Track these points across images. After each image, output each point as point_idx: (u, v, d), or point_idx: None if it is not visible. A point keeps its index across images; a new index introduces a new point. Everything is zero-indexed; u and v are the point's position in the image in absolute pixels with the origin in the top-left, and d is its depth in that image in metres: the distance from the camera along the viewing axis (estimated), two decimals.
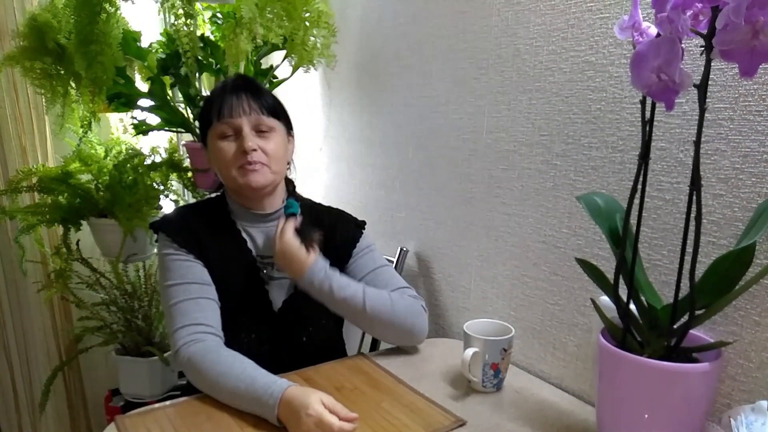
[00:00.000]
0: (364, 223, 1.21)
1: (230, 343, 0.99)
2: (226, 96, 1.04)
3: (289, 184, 1.19)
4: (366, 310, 1.05)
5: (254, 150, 1.03)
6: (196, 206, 1.17)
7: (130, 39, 1.39)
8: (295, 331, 1.11)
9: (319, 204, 1.22)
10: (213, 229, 1.09)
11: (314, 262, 1.04)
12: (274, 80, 1.60)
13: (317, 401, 0.84)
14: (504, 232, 1.19)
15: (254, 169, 1.04)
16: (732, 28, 0.57)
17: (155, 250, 1.65)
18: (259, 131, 1.05)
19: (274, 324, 1.10)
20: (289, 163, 1.15)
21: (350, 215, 1.23)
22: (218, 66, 1.47)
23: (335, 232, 1.16)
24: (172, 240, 1.06)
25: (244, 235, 1.11)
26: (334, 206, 1.24)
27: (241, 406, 0.91)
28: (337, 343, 1.22)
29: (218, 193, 1.17)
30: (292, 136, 1.16)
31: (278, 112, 1.09)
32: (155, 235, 1.10)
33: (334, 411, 0.85)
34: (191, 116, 1.54)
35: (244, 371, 0.92)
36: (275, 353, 1.07)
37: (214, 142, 1.05)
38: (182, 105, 1.54)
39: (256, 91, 1.06)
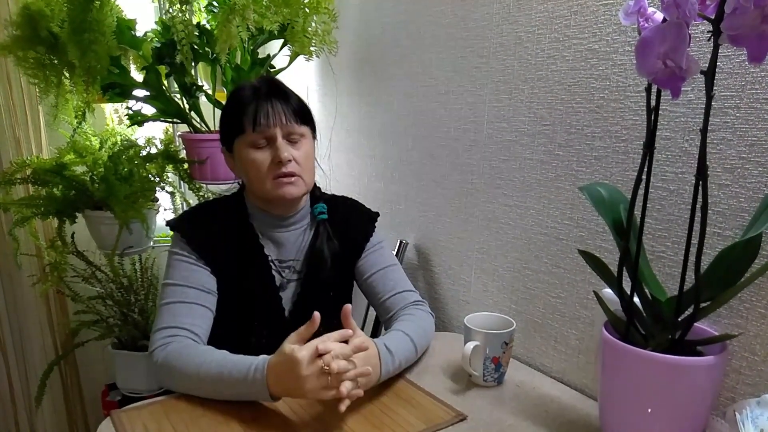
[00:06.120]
0: (377, 215, 1.21)
1: (239, 347, 0.96)
2: (259, 104, 1.01)
3: (315, 188, 1.16)
4: (417, 354, 1.04)
5: (290, 161, 1.01)
6: (213, 206, 1.14)
7: (125, 28, 1.37)
8: None
9: (333, 195, 1.21)
10: (230, 232, 1.08)
11: (381, 360, 0.93)
12: (272, 70, 1.58)
13: (306, 358, 0.81)
14: (505, 224, 1.18)
15: (290, 182, 1.02)
16: (741, 12, 0.56)
17: (152, 243, 1.64)
18: (290, 140, 1.03)
19: (286, 328, 1.09)
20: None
21: (364, 207, 1.22)
22: (214, 55, 1.45)
23: (349, 226, 1.16)
24: (186, 242, 1.05)
25: (261, 239, 1.10)
26: None
27: (230, 393, 0.90)
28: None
29: (235, 191, 1.14)
30: (315, 138, 1.13)
31: (307, 116, 1.07)
32: (171, 233, 1.08)
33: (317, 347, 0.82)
34: (187, 106, 1.52)
35: (224, 357, 0.91)
36: None
37: (246, 152, 1.02)
38: (178, 95, 1.52)
39: (286, 96, 1.04)
